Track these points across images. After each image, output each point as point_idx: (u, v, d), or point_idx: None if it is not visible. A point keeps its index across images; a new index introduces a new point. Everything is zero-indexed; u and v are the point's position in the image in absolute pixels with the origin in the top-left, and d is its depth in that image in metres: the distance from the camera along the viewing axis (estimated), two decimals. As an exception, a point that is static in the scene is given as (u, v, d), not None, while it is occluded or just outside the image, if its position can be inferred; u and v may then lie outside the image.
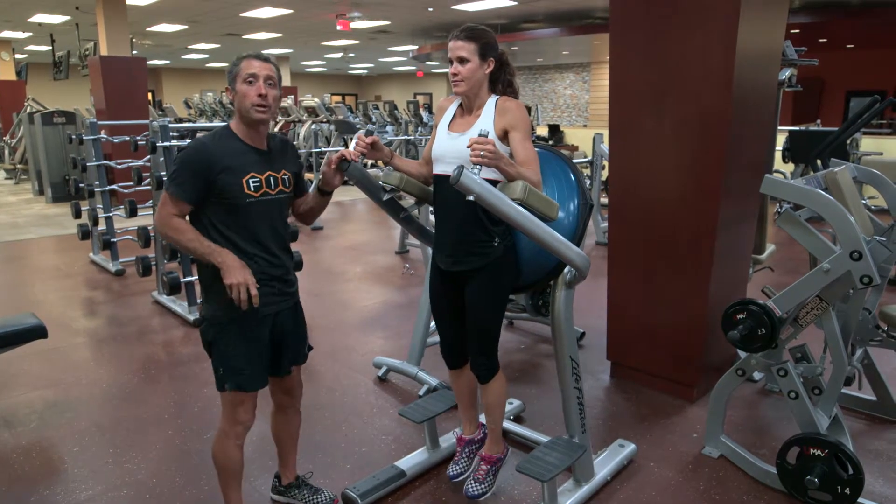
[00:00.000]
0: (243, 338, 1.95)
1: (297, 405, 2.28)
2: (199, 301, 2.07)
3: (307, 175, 9.53)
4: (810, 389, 2.43)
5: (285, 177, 2.01)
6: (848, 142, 7.39)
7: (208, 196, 1.88)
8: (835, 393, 2.40)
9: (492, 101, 2.09)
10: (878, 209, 3.24)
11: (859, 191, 2.74)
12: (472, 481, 2.32)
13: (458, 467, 2.41)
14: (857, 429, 2.88)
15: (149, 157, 4.88)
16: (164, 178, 2.01)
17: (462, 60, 2.04)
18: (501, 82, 2.14)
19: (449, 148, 2.11)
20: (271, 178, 1.96)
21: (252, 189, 1.91)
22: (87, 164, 5.89)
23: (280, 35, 14.89)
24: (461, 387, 2.43)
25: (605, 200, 6.76)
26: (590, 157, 7.01)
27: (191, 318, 4.34)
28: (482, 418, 2.46)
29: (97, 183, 5.83)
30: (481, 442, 2.44)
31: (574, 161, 2.29)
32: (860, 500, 2.20)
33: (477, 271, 2.11)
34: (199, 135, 4.61)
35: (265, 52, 1.94)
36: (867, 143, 8.92)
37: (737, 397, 3.14)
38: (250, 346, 1.96)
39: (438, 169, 2.14)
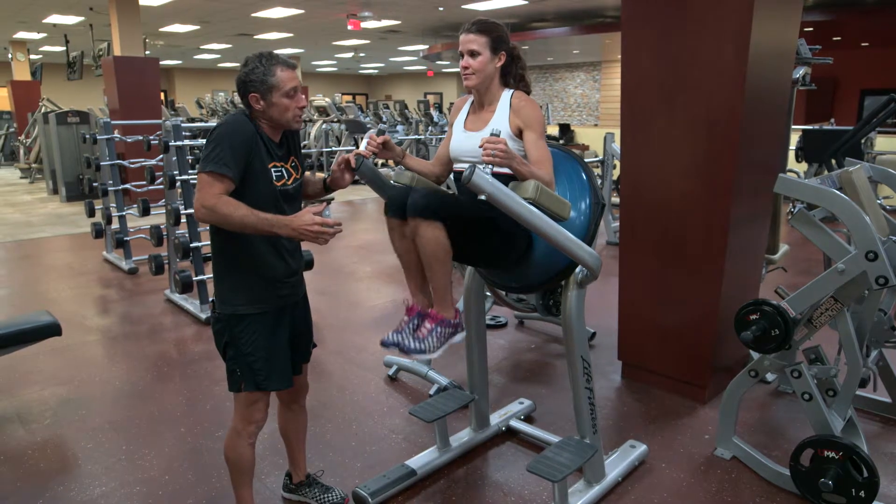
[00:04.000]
0: (265, 335, 1.95)
1: (303, 402, 2.29)
2: (210, 300, 2.05)
3: (318, 175, 9.57)
4: (824, 391, 2.41)
5: (294, 164, 2.03)
6: (863, 141, 7.31)
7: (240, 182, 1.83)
8: (849, 395, 2.38)
9: (506, 95, 2.09)
10: (894, 209, 3.21)
11: (874, 190, 2.71)
12: (404, 333, 1.99)
13: (398, 336, 2.00)
14: (872, 431, 2.85)
15: (161, 156, 4.91)
16: (200, 160, 1.87)
17: (473, 53, 2.03)
18: (513, 76, 2.13)
19: (465, 146, 2.11)
20: (284, 170, 1.97)
21: (275, 178, 1.91)
22: (101, 163, 5.95)
23: (291, 35, 14.95)
24: (406, 245, 2.09)
25: (616, 200, 6.73)
26: (601, 157, 6.99)
27: (203, 316, 4.37)
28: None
29: (110, 182, 5.90)
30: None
31: (585, 160, 2.29)
32: (875, 503, 2.18)
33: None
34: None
35: (279, 52, 1.94)
36: (882, 143, 8.82)
37: (749, 398, 3.11)
38: (272, 343, 1.97)
39: (459, 167, 2.17)
